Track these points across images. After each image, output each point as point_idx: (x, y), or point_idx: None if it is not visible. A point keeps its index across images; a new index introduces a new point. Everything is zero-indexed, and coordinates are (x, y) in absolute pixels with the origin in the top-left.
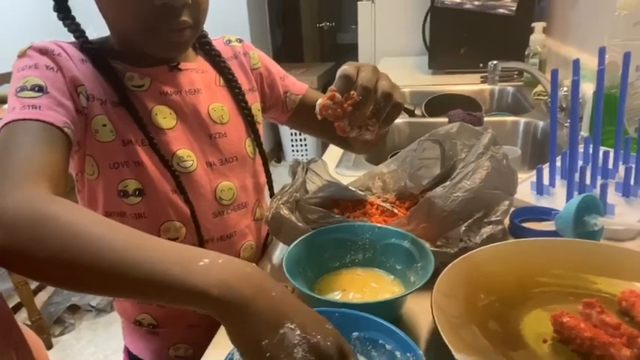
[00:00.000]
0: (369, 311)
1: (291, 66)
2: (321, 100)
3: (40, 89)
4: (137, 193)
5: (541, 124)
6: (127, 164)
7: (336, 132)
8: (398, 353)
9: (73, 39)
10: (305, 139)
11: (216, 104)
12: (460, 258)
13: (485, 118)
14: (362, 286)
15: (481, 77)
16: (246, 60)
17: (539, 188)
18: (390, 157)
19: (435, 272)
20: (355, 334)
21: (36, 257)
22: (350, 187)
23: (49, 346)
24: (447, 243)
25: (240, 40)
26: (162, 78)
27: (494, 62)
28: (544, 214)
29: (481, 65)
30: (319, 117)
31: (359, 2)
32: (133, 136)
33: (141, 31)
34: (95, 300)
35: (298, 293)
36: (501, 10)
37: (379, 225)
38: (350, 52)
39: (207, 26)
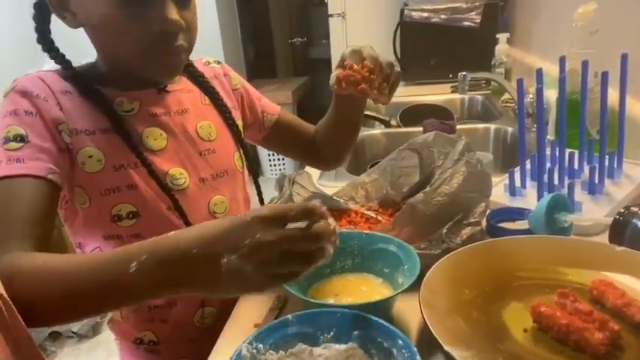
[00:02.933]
0: (363, 311)
1: (264, 82)
2: (336, 73)
3: (22, 139)
4: (131, 215)
5: (510, 129)
6: (119, 189)
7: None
8: (394, 350)
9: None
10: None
11: (204, 122)
12: (444, 258)
13: (458, 126)
14: (353, 290)
15: (451, 87)
16: (227, 81)
17: (512, 190)
18: (370, 167)
19: (420, 273)
20: (355, 332)
21: (25, 306)
22: (334, 197)
23: None
24: (430, 245)
25: (219, 62)
26: (151, 100)
27: (464, 73)
28: (517, 214)
29: (451, 76)
30: (337, 88)
31: (330, 18)
32: (125, 161)
33: (140, 56)
34: (76, 326)
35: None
36: (466, 23)
37: (366, 231)
38: (322, 66)
39: None
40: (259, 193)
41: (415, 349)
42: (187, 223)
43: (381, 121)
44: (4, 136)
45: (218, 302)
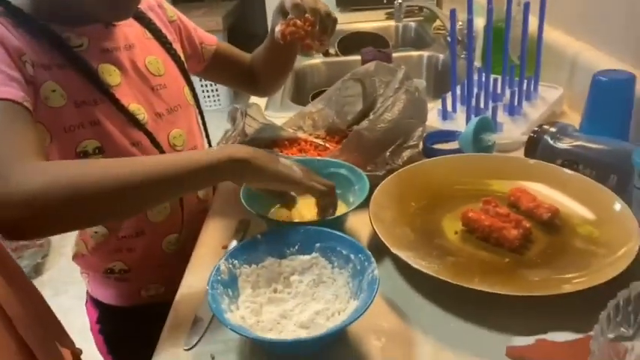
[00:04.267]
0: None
1: (190, 6)
2: (280, 27)
3: None
4: (97, 151)
5: (441, 56)
6: (83, 125)
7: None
8: (352, 256)
9: None
10: (216, 86)
11: (151, 57)
12: (388, 177)
13: (393, 54)
14: (310, 210)
15: (385, 14)
16: (162, 12)
17: (444, 114)
18: (312, 96)
19: (368, 193)
20: (317, 244)
21: (71, 211)
22: (284, 128)
23: None
24: (375, 168)
25: None
26: (100, 36)
27: (400, 0)
28: (449, 135)
29: (385, 1)
30: (282, 42)
31: None
32: (86, 97)
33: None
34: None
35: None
36: None
37: (319, 158)
38: None
39: None
40: (204, 124)
41: (369, 252)
42: None
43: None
44: None
45: (183, 229)
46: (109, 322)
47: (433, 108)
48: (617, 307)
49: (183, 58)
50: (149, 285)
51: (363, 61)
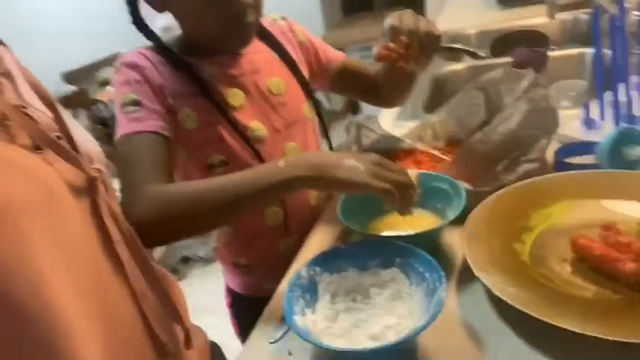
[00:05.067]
0: (410, 242)
1: (361, 15)
2: (376, 50)
3: (137, 103)
4: (222, 164)
5: (611, 53)
6: (210, 142)
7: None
8: (427, 274)
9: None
10: None
11: (274, 78)
12: (495, 194)
13: (552, 53)
14: (408, 224)
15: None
16: (293, 35)
17: (588, 123)
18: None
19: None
20: (398, 259)
21: (175, 224)
22: (401, 139)
23: None
24: (485, 183)
25: (284, 18)
26: (228, 64)
27: None
28: (589, 148)
29: None
30: (379, 62)
31: None
32: (214, 118)
33: (216, 33)
34: (202, 251)
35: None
36: None
37: (422, 171)
38: None
39: None
40: (327, 137)
41: (443, 273)
42: None
43: (470, 53)
44: (122, 102)
45: (295, 233)
46: (239, 307)
47: (579, 115)
48: None
49: (308, 76)
50: (269, 280)
51: (514, 63)
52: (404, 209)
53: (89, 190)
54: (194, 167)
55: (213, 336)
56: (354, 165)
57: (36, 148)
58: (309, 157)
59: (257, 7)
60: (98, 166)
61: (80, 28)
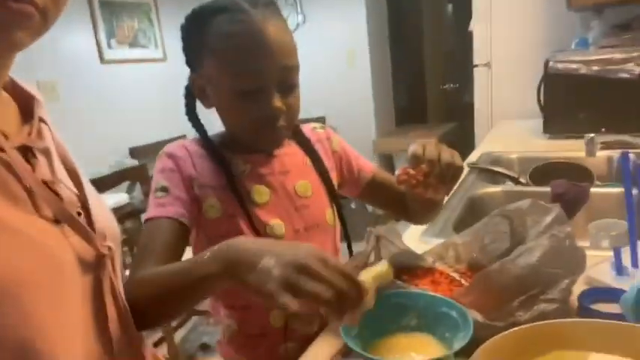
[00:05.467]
0: None
1: (413, 127)
2: (399, 172)
3: (165, 190)
4: None
5: None
6: (231, 234)
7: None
8: None
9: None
10: None
11: (302, 181)
12: (507, 331)
13: (593, 189)
14: (413, 349)
15: (601, 143)
16: (328, 144)
17: (619, 268)
18: None
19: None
20: None
21: (147, 310)
22: (421, 256)
23: None
24: (499, 316)
25: (323, 127)
26: (260, 163)
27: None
28: (616, 295)
29: (603, 130)
30: (398, 185)
31: (475, 68)
32: (236, 212)
33: (251, 132)
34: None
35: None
36: (623, 75)
37: (432, 293)
38: (469, 112)
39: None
40: (349, 245)
41: None
42: None
43: (510, 178)
44: (155, 187)
45: (299, 340)
46: None
47: (611, 258)
48: None
49: (337, 182)
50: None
51: (552, 194)
52: (344, 321)
53: (96, 265)
54: None
55: None
56: (267, 269)
57: (56, 221)
58: (232, 249)
59: (290, 113)
60: (110, 243)
61: (157, 109)
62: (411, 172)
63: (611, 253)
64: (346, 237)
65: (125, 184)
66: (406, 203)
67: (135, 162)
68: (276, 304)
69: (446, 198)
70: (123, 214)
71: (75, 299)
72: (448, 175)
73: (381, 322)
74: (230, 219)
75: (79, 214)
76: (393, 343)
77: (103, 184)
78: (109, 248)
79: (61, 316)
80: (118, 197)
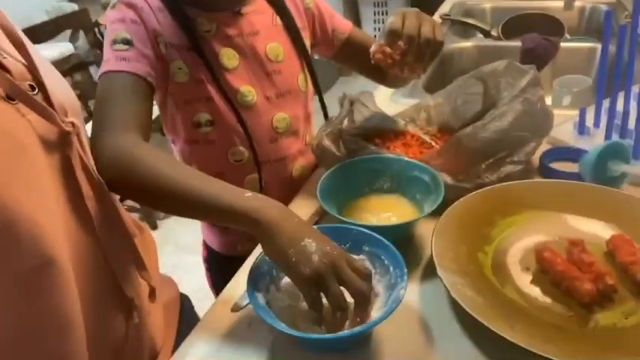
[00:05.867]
0: (381, 232)
1: None
2: (374, 48)
3: (128, 42)
4: (208, 123)
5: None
6: (200, 100)
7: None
8: (391, 268)
9: None
10: None
11: (273, 44)
12: (474, 192)
13: (563, 44)
14: (385, 210)
15: None
16: (300, 1)
17: (581, 129)
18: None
19: (448, 204)
20: (366, 247)
21: (127, 189)
22: (393, 118)
23: (154, 228)
24: (465, 179)
25: None
26: (227, 22)
27: None
28: (576, 155)
29: None
30: (373, 62)
31: None
32: (204, 76)
33: None
34: None
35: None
36: None
37: (406, 158)
38: None
39: None
40: (324, 108)
41: (406, 269)
42: (252, 136)
43: (481, 30)
44: (113, 38)
45: None
46: (212, 263)
47: (574, 118)
48: None
49: (310, 43)
50: (244, 241)
51: (523, 49)
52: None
53: (62, 144)
54: (181, 122)
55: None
56: (309, 251)
57: (8, 99)
58: (280, 207)
59: None
60: (73, 119)
61: None
62: (387, 50)
63: (575, 113)
64: (322, 104)
65: (67, 34)
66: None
67: (74, 6)
68: (303, 292)
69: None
70: (69, 66)
71: (45, 180)
72: (426, 52)
73: (355, 186)
74: (198, 84)
75: (33, 88)
76: (366, 204)
77: (40, 32)
78: (73, 124)
79: (33, 198)
80: (62, 47)
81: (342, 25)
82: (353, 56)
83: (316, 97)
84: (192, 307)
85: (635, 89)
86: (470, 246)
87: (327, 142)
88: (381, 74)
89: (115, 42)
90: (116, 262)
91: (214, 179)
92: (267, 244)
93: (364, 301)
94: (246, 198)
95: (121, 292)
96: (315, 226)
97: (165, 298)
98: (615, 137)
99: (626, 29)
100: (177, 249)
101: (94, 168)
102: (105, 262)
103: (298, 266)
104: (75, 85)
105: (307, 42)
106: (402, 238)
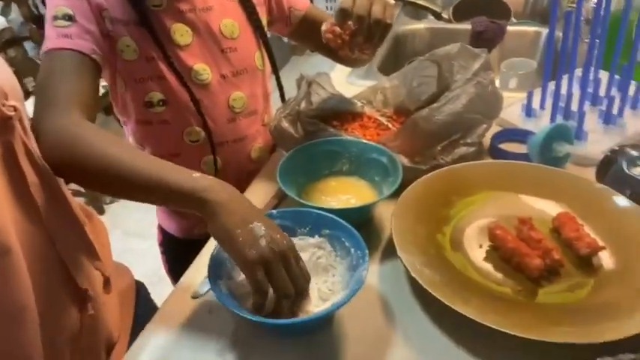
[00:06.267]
0: (341, 215)
1: None
2: (324, 28)
3: (70, 18)
4: (161, 103)
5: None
6: (151, 78)
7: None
8: (352, 249)
9: None
10: None
11: (227, 20)
12: (430, 174)
13: (510, 27)
14: (344, 192)
15: None
16: None
17: (528, 111)
18: (407, 64)
19: (406, 185)
20: (326, 230)
21: (71, 171)
22: (350, 100)
23: (101, 213)
24: (422, 160)
25: None
26: None
27: None
28: (524, 136)
29: None
30: (325, 42)
31: None
32: (155, 53)
33: None
34: None
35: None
36: None
37: (364, 141)
38: None
39: None
40: (280, 88)
41: (367, 250)
42: (208, 115)
43: (432, 12)
44: (54, 14)
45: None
46: (169, 246)
47: (521, 101)
48: None
49: (265, 21)
50: (201, 225)
51: (473, 32)
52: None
53: (3, 130)
54: (132, 102)
55: (143, 263)
56: (257, 234)
57: None
58: (229, 189)
59: None
60: (13, 102)
61: None
62: (337, 30)
63: (522, 95)
64: (279, 84)
65: None
66: None
67: None
68: (247, 274)
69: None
70: (2, 42)
71: None
72: (376, 33)
73: (314, 168)
74: (149, 62)
75: None
76: (325, 186)
77: None
78: (15, 108)
79: None
80: None
81: (300, 2)
82: (310, 34)
83: (273, 76)
84: (147, 293)
85: (577, 73)
86: (428, 226)
87: (285, 124)
88: (337, 55)
89: (55, 18)
90: (66, 251)
91: (161, 160)
92: (214, 222)
93: (303, 298)
94: (194, 178)
95: (74, 283)
96: (274, 210)
97: (120, 286)
98: (559, 119)
99: (572, 15)
100: (126, 234)
101: (39, 154)
102: (55, 252)
103: (245, 248)
104: (9, 62)
105: (264, 19)
106: (362, 220)
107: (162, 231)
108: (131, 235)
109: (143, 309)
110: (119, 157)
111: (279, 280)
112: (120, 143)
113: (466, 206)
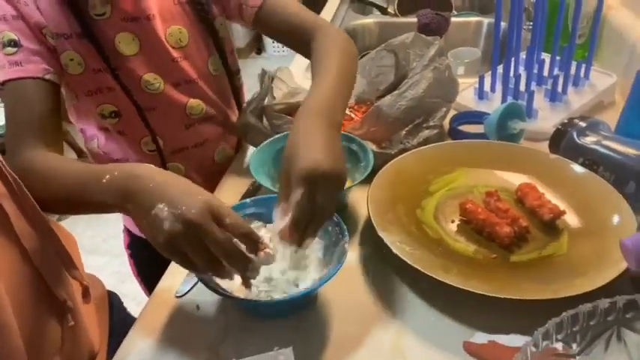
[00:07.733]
0: None
1: None
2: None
3: (15, 44)
4: (113, 115)
5: (504, 25)
6: (101, 90)
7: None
8: (330, 228)
9: None
10: None
11: (174, 27)
12: (398, 157)
13: (453, 18)
14: None
15: None
16: None
17: (480, 93)
18: (360, 58)
19: (377, 170)
20: None
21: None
22: None
23: None
24: (390, 145)
25: None
26: (123, 4)
27: None
28: (480, 117)
29: None
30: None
31: None
32: (101, 65)
33: None
34: None
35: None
36: None
37: None
38: None
39: None
40: (235, 94)
41: (345, 227)
42: (164, 124)
43: (378, 7)
44: (1, 41)
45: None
46: (137, 249)
47: (473, 85)
48: (559, 324)
49: (222, 13)
50: None
51: (419, 24)
52: (243, 281)
53: None
54: (86, 114)
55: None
56: (160, 219)
57: None
58: (130, 183)
59: None
60: None
61: None
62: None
63: (473, 80)
64: (232, 86)
65: None
66: (301, 36)
67: None
68: (171, 259)
69: None
70: None
71: None
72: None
73: None
74: (96, 74)
75: None
76: None
77: None
78: None
79: None
80: None
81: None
82: (269, 29)
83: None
84: (121, 302)
85: (522, 55)
86: (407, 208)
87: (252, 120)
88: (303, 46)
89: (3, 45)
90: (41, 262)
91: (86, 173)
92: (136, 224)
93: (232, 257)
94: (101, 189)
95: (52, 295)
96: (248, 199)
97: (94, 295)
98: (510, 99)
99: (517, 3)
100: (81, 250)
101: (6, 165)
102: (30, 264)
103: (154, 238)
104: None
105: (220, 18)
106: (337, 205)
107: (128, 233)
108: (86, 251)
109: (117, 317)
110: (64, 184)
111: (196, 253)
112: (65, 168)
113: (445, 184)
